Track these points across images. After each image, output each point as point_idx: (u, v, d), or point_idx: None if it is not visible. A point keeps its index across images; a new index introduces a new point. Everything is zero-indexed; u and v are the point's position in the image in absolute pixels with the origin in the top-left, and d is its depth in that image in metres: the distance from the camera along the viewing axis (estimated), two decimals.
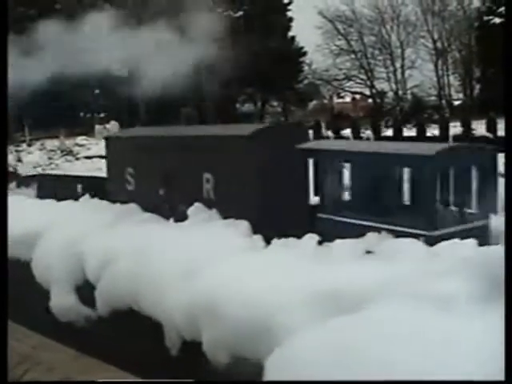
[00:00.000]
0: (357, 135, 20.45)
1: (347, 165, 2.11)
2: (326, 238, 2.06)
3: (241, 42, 58.91)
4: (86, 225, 1.94)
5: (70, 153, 44.71)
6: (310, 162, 2.60)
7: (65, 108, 57.91)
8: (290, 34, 65.10)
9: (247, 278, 1.71)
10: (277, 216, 1.96)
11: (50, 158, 44.01)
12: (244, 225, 1.97)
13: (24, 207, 2.37)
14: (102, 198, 3.10)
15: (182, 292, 1.40)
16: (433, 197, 1.66)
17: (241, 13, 64.89)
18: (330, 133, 17.35)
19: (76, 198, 3.32)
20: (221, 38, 59.41)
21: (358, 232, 1.87)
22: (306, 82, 65.80)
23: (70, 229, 1.94)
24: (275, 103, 66.58)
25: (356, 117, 49.12)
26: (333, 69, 62.01)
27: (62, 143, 46.91)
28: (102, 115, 62.73)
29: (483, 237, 1.84)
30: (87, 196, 2.29)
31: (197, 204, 2.15)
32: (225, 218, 2.30)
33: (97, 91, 65.84)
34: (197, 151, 2.36)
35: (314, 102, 66.18)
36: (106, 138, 3.22)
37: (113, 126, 49.64)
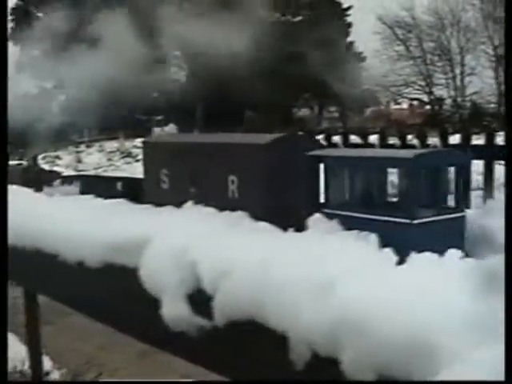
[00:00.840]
0: (423, 143, 19.79)
1: (347, 167, 2.16)
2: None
3: (299, 47, 58.98)
4: (195, 233, 1.92)
5: (129, 155, 45.21)
6: (321, 166, 2.65)
7: (123, 110, 58.53)
8: (349, 39, 64.96)
9: (392, 294, 1.66)
10: (290, 210, 2.01)
11: (109, 160, 44.51)
12: (372, 237, 1.93)
13: (128, 214, 2.36)
14: (139, 196, 3.22)
15: (318, 306, 1.36)
16: (414, 191, 1.71)
17: (300, 18, 64.89)
18: (396, 140, 16.78)
19: (116, 196, 3.47)
20: (279, 42, 59.56)
21: (356, 223, 1.89)
22: (363, 87, 65.52)
23: (179, 237, 1.91)
24: (332, 109, 66.46)
25: (415, 124, 48.72)
26: (391, 75, 61.51)
27: (122, 145, 47.48)
28: (159, 118, 63.28)
29: (459, 226, 1.87)
30: (190, 203, 2.29)
31: (317, 215, 2.12)
32: (250, 214, 2.28)
33: (155, 93, 66.47)
34: (223, 156, 2.43)
35: (372, 108, 65.82)
36: (144, 143, 3.35)
37: (171, 129, 50.00)
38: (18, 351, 6.89)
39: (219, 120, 53.25)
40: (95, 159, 42.57)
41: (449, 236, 1.95)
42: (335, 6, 64.35)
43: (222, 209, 2.32)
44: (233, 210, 2.41)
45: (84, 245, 2.37)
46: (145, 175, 3.07)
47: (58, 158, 44.70)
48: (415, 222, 1.92)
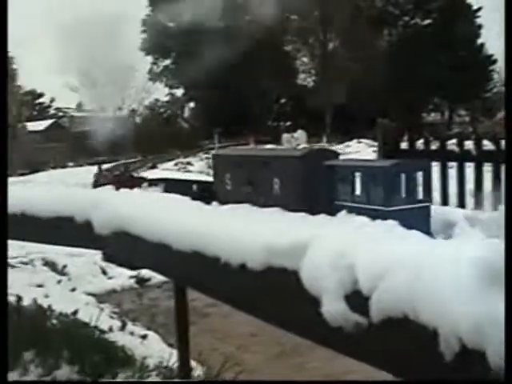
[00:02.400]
0: None
1: (350, 173, 2.73)
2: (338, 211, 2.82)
3: (428, 51, 58.36)
4: (352, 238, 2.10)
5: None
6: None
7: (253, 116, 59.38)
8: (479, 41, 63.72)
9: None
10: (315, 202, 2.55)
11: None
12: (501, 246, 2.05)
13: (283, 220, 2.60)
14: (211, 196, 3.82)
15: (467, 305, 1.47)
16: (390, 189, 2.19)
17: (429, 21, 64.17)
18: None
19: (192, 196, 4.05)
20: (406, 46, 58.97)
21: (354, 209, 2.52)
22: (495, 90, 64.09)
23: (336, 242, 2.10)
24: (463, 113, 65.33)
25: None
26: None
27: None
28: (288, 124, 63.82)
29: (425, 213, 2.56)
30: (344, 212, 2.50)
31: (460, 223, 2.31)
32: (288, 208, 2.92)
33: (283, 100, 67.18)
34: (270, 164, 3.02)
35: (504, 112, 64.26)
36: (213, 155, 4.09)
37: (300, 135, 50.29)
38: (161, 349, 7.23)
39: (348, 125, 53.31)
40: None
41: (417, 220, 2.71)
42: (465, 8, 63.22)
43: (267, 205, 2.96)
44: (277, 205, 3.22)
45: (246, 249, 2.64)
46: (214, 179, 3.97)
47: (189, 164, 45.76)
48: (390, 209, 2.68)
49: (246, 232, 2.69)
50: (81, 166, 50.98)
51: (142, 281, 11.16)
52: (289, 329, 2.60)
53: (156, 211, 3.66)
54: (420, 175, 2.84)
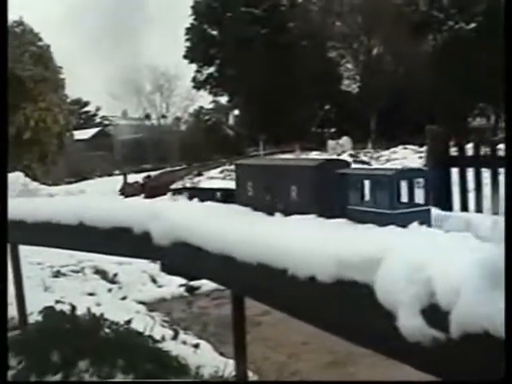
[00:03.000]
0: None
1: (358, 180, 2.95)
2: (352, 218, 2.93)
3: (473, 55, 57.89)
4: (426, 250, 2.10)
5: None
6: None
7: (298, 123, 59.36)
8: None
9: None
10: (329, 208, 2.71)
11: None
12: None
13: (357, 231, 2.63)
14: (233, 201, 4.04)
15: None
16: (393, 194, 2.34)
17: (473, 25, 63.63)
18: None
19: (216, 202, 4.35)
20: (451, 51, 58.39)
21: (363, 213, 2.71)
22: None
23: (411, 254, 2.10)
24: None
25: None
26: None
27: (298, 158, 48.04)
28: (333, 130, 63.66)
29: (426, 215, 2.74)
30: (415, 223, 2.50)
31: None
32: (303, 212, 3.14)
33: (327, 106, 67.09)
34: (288, 173, 3.22)
35: None
36: (235, 164, 4.30)
37: (345, 141, 50.12)
38: (214, 358, 7.23)
39: (393, 131, 53.01)
40: None
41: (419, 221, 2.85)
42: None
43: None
44: (294, 210, 3.45)
45: (315, 262, 2.62)
46: (236, 187, 4.16)
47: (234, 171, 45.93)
48: (395, 212, 2.91)
49: (315, 244, 2.67)
50: (125, 174, 51.36)
51: (191, 289, 11.17)
52: (360, 342, 2.57)
53: (217, 221, 3.66)
54: (422, 182, 3.00)
